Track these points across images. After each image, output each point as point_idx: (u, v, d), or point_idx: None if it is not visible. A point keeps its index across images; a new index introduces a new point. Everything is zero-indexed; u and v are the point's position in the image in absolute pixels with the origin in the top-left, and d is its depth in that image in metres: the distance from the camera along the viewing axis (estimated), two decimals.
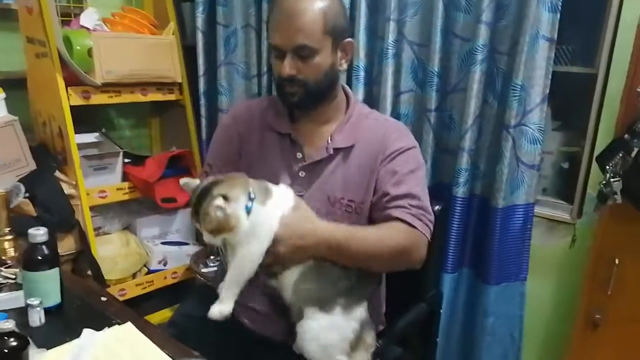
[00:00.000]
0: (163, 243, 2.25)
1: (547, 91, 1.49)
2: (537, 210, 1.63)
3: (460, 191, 1.61)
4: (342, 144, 1.21)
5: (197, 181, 1.03)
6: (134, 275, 2.14)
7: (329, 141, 1.21)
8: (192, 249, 2.28)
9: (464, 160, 1.59)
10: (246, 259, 1.00)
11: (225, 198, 0.94)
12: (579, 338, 1.50)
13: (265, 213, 1.00)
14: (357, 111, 1.25)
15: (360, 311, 1.05)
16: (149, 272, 2.19)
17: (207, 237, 0.99)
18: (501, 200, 1.55)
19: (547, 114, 1.56)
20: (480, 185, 1.65)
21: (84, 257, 1.93)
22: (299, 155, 1.23)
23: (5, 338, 0.83)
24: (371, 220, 1.19)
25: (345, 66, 1.22)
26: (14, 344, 0.83)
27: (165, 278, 2.18)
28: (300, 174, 1.22)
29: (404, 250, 1.12)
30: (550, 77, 1.48)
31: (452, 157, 1.67)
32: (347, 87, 1.31)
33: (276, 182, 1.22)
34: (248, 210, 0.97)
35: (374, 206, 1.19)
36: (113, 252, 2.08)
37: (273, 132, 1.26)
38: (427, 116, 1.65)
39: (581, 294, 1.50)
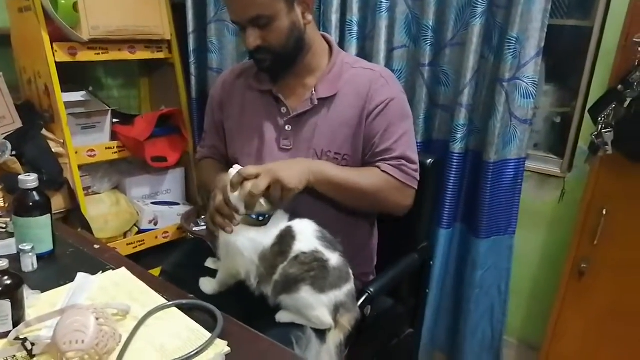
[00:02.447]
0: (154, 203, 2.24)
1: (542, 44, 1.48)
2: (528, 164, 1.65)
3: (458, 147, 1.61)
4: (326, 93, 1.20)
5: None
6: (125, 235, 2.15)
7: (313, 92, 1.20)
8: (182, 208, 2.27)
9: (462, 116, 1.58)
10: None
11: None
12: (565, 287, 1.54)
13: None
14: (341, 60, 1.24)
15: (335, 294, 1.03)
16: (140, 231, 2.19)
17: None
18: (493, 155, 1.56)
19: (541, 69, 1.56)
20: (473, 140, 1.65)
21: (74, 215, 1.91)
22: (284, 109, 1.23)
23: None
24: None
25: (310, 18, 1.19)
26: (8, 282, 0.83)
27: (157, 237, 2.19)
28: (286, 127, 1.22)
29: (380, 189, 1.17)
30: (545, 30, 1.47)
31: (445, 113, 1.67)
32: (328, 36, 1.29)
33: (262, 139, 1.23)
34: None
35: (362, 161, 1.21)
36: (103, 211, 2.07)
37: (254, 91, 1.27)
38: (421, 71, 1.64)
39: (568, 245, 1.53)
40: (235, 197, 1.04)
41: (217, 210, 1.07)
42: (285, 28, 1.14)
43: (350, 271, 1.08)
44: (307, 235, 1.05)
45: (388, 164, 1.18)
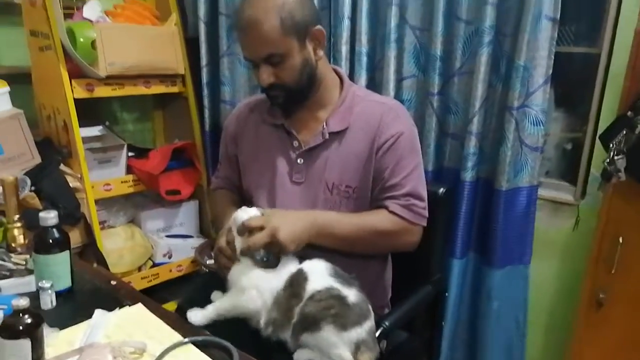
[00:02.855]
0: (168, 236, 2.26)
1: (550, 72, 1.49)
2: (541, 192, 1.63)
3: (469, 175, 1.61)
4: (337, 127, 1.22)
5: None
6: (139, 269, 2.16)
7: (324, 126, 1.22)
8: (196, 241, 2.29)
9: (472, 144, 1.59)
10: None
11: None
12: (583, 318, 1.51)
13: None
14: (352, 93, 1.26)
15: (357, 331, 1.02)
16: (154, 265, 2.20)
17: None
18: (505, 183, 1.56)
19: (550, 96, 1.57)
20: (484, 169, 1.65)
21: (90, 250, 1.93)
22: (296, 143, 1.24)
23: (20, 315, 0.84)
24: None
25: (321, 53, 1.22)
26: (29, 320, 0.84)
27: (171, 271, 2.20)
28: (298, 161, 1.24)
29: (388, 233, 1.18)
30: (553, 57, 1.48)
31: (455, 141, 1.68)
32: (339, 70, 1.31)
33: (275, 172, 1.25)
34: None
35: (371, 195, 1.22)
36: (118, 245, 2.09)
37: (267, 125, 1.29)
38: (430, 100, 1.66)
39: (585, 274, 1.50)
40: (238, 242, 1.07)
41: (220, 251, 1.10)
42: (298, 65, 1.16)
43: (370, 307, 1.07)
44: (319, 273, 1.05)
45: (397, 204, 1.18)
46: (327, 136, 1.21)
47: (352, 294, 1.03)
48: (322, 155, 1.22)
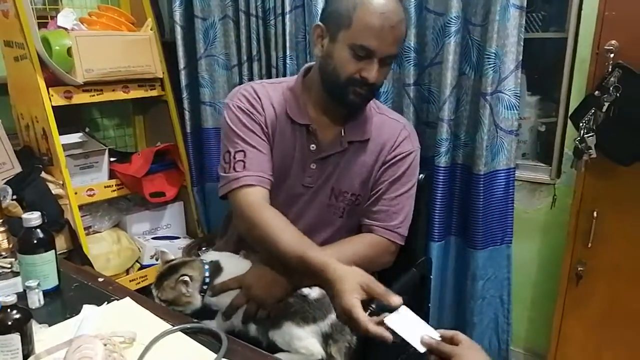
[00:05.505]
0: (154, 238, 2.26)
1: (520, 58, 1.54)
2: (518, 174, 1.68)
3: (443, 161, 1.65)
4: (356, 137, 1.23)
5: (171, 256, 1.17)
6: (127, 271, 2.16)
7: (343, 134, 1.22)
8: (183, 242, 2.30)
9: (444, 130, 1.63)
10: None
11: (187, 281, 1.08)
12: (564, 292, 1.56)
13: None
14: (369, 105, 1.27)
15: (319, 326, 1.07)
16: (142, 267, 2.20)
17: (157, 301, 1.10)
18: (482, 167, 1.60)
19: (522, 82, 1.62)
20: (461, 154, 1.69)
21: (75, 255, 1.93)
22: (313, 147, 1.22)
23: (8, 311, 0.84)
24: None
25: None
26: (17, 316, 0.85)
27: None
28: (311, 166, 1.23)
29: (365, 258, 1.18)
30: (522, 43, 1.53)
31: (432, 129, 1.72)
32: None
33: (287, 173, 1.24)
34: (203, 293, 1.11)
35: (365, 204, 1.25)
36: (105, 249, 2.09)
37: (291, 123, 1.22)
38: (407, 91, 1.69)
39: (564, 250, 1.55)
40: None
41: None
42: (389, 70, 1.22)
43: None
44: None
45: (379, 226, 1.22)
46: (345, 145, 1.21)
47: (313, 292, 1.09)
48: (335, 163, 1.23)
